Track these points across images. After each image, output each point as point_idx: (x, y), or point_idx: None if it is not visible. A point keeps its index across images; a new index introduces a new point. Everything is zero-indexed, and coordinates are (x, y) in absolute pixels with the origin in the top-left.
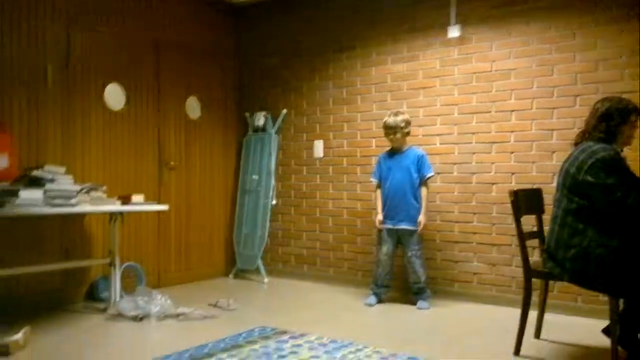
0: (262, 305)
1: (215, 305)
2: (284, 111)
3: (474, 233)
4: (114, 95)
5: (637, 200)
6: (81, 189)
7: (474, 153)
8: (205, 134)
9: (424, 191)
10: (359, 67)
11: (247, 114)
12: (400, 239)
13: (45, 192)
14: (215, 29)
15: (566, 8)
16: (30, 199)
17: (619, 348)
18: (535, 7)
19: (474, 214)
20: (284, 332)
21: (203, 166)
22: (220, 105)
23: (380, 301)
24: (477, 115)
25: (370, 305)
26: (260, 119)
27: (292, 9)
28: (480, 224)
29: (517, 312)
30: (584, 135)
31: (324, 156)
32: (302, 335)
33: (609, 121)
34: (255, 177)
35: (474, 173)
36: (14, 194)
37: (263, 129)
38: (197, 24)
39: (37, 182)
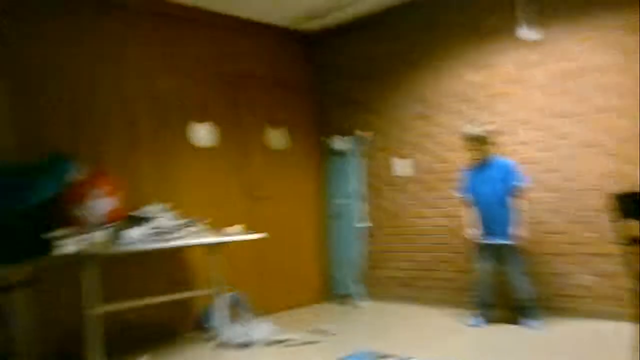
0: (363, 329)
1: (316, 331)
2: (365, 132)
3: (580, 243)
4: (203, 133)
5: None
6: (181, 224)
7: (567, 158)
8: (291, 162)
9: (518, 202)
10: (433, 80)
11: (328, 139)
12: (499, 254)
13: (148, 228)
14: (291, 58)
15: None
16: (136, 236)
17: None
18: None
19: (576, 222)
20: (390, 356)
21: (291, 194)
22: (302, 133)
23: (485, 321)
24: (567, 119)
25: (475, 326)
26: (342, 143)
27: (363, 31)
28: (584, 233)
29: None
30: None
31: (408, 174)
32: (409, 358)
33: None
34: (342, 200)
35: (571, 179)
36: (123, 232)
37: (345, 152)
38: (274, 56)
39: (141, 220)
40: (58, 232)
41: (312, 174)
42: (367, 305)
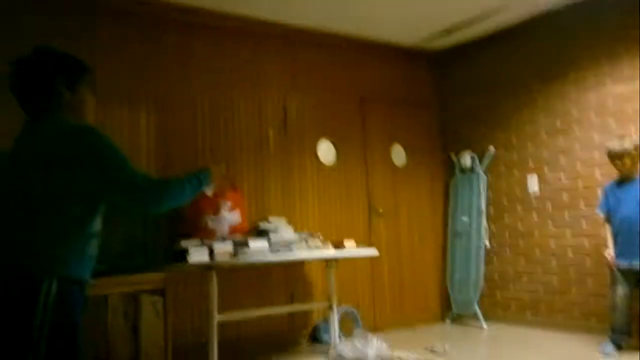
0: (481, 352)
1: (431, 350)
2: (491, 148)
3: None
4: (326, 151)
5: None
6: (301, 238)
7: None
8: (412, 179)
9: None
10: (573, 93)
11: (452, 155)
12: (637, 278)
13: (269, 241)
14: (413, 77)
15: None
16: (258, 248)
17: None
18: None
19: None
20: None
21: (411, 211)
22: (425, 150)
23: (619, 350)
24: None
25: (608, 354)
26: (466, 159)
27: (488, 46)
28: None
29: None
30: None
31: (539, 191)
32: None
33: None
34: (465, 218)
35: None
36: (245, 244)
37: (470, 169)
38: (397, 74)
39: (263, 233)
40: (187, 243)
41: (436, 191)
42: (487, 327)
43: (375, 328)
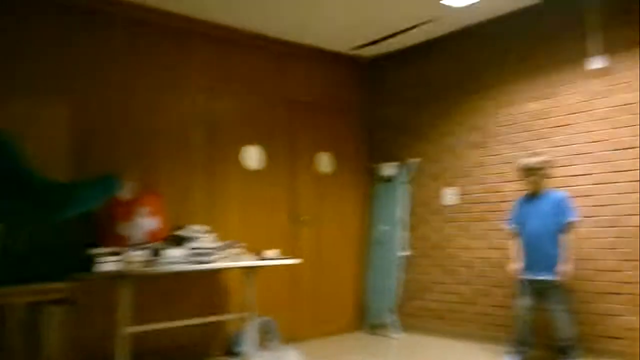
0: None
1: None
2: (414, 159)
3: (627, 283)
4: (251, 156)
5: None
6: (221, 246)
7: (625, 193)
8: (336, 187)
9: (567, 238)
10: (491, 109)
11: (376, 165)
12: (541, 291)
13: (188, 249)
14: (342, 83)
15: None
16: (174, 256)
17: None
18: None
19: (627, 260)
20: None
21: (334, 219)
22: (350, 158)
23: None
24: (628, 151)
25: None
26: (389, 169)
27: (417, 56)
28: (634, 272)
29: None
30: None
31: (456, 203)
32: None
33: None
34: (385, 227)
35: (628, 215)
36: (160, 252)
37: (392, 179)
38: (326, 81)
39: (181, 241)
40: (99, 250)
41: (357, 199)
42: (400, 337)
43: (293, 338)
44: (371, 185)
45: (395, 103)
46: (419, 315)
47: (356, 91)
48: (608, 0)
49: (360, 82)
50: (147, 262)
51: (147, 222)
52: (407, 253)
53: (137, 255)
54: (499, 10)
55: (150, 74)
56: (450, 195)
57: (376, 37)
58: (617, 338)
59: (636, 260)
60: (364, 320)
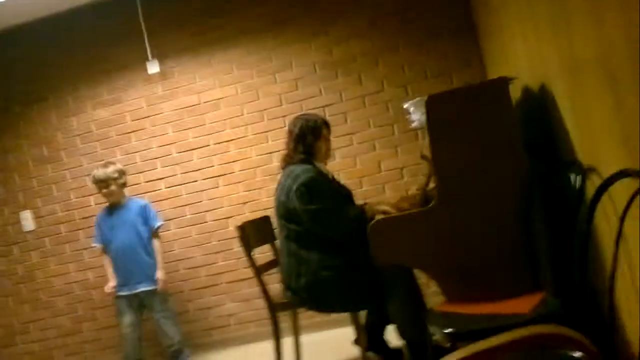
0: None
1: None
2: None
3: (221, 273)
4: None
5: (348, 219)
6: None
7: (202, 190)
8: None
9: (156, 244)
10: (55, 119)
11: None
12: (142, 302)
13: None
14: None
15: (259, 31)
16: None
17: (372, 354)
18: (231, 32)
19: (216, 253)
20: None
21: None
22: None
23: None
24: (197, 151)
25: None
26: None
27: None
28: (225, 262)
29: None
30: (287, 159)
31: (36, 228)
32: None
33: (304, 140)
34: None
35: (208, 211)
36: None
37: None
38: None
39: None
40: None
41: None
42: None
43: None
44: None
45: None
46: None
47: None
48: (162, 5)
49: None
50: None
51: None
52: None
53: None
54: (45, 10)
55: None
56: (28, 220)
57: None
58: (223, 326)
59: (223, 250)
60: None
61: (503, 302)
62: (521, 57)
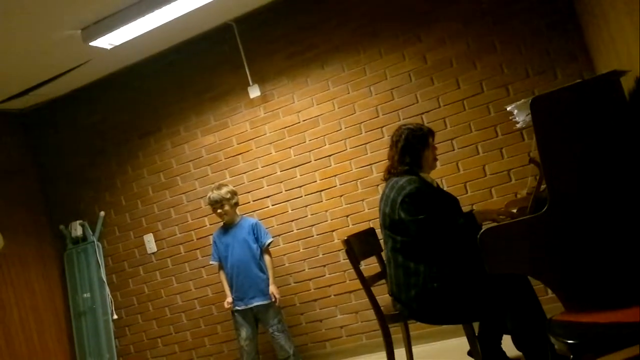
0: None
1: None
2: (102, 213)
3: (329, 285)
4: None
5: (456, 227)
6: None
7: (307, 205)
8: (17, 263)
9: (267, 259)
10: (170, 147)
11: (62, 227)
12: (257, 316)
13: None
14: (6, 143)
15: (352, 45)
16: None
17: None
18: (325, 50)
19: (324, 266)
20: None
21: (23, 302)
22: (28, 225)
23: None
24: (299, 167)
25: None
26: (77, 229)
27: (79, 100)
28: (332, 275)
29: None
30: (390, 170)
31: (158, 249)
32: None
33: (411, 150)
34: (86, 295)
35: (313, 225)
36: None
37: (83, 239)
38: None
39: None
40: None
41: (50, 271)
42: None
43: None
44: (62, 249)
45: (69, 155)
46: None
47: (21, 148)
48: (257, 32)
49: (24, 138)
50: None
51: None
52: (118, 315)
53: None
54: (152, 50)
55: None
56: (150, 242)
57: (21, 89)
58: (335, 338)
59: (330, 263)
60: None
61: (628, 310)
62: (632, 45)
